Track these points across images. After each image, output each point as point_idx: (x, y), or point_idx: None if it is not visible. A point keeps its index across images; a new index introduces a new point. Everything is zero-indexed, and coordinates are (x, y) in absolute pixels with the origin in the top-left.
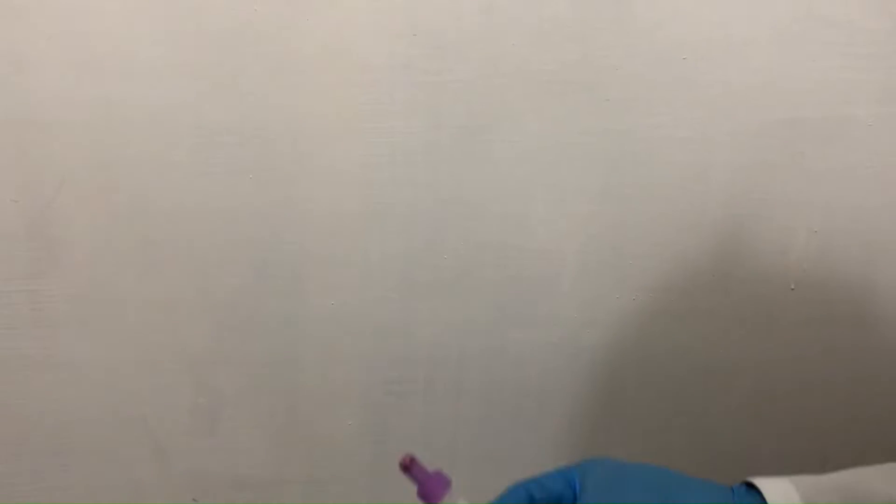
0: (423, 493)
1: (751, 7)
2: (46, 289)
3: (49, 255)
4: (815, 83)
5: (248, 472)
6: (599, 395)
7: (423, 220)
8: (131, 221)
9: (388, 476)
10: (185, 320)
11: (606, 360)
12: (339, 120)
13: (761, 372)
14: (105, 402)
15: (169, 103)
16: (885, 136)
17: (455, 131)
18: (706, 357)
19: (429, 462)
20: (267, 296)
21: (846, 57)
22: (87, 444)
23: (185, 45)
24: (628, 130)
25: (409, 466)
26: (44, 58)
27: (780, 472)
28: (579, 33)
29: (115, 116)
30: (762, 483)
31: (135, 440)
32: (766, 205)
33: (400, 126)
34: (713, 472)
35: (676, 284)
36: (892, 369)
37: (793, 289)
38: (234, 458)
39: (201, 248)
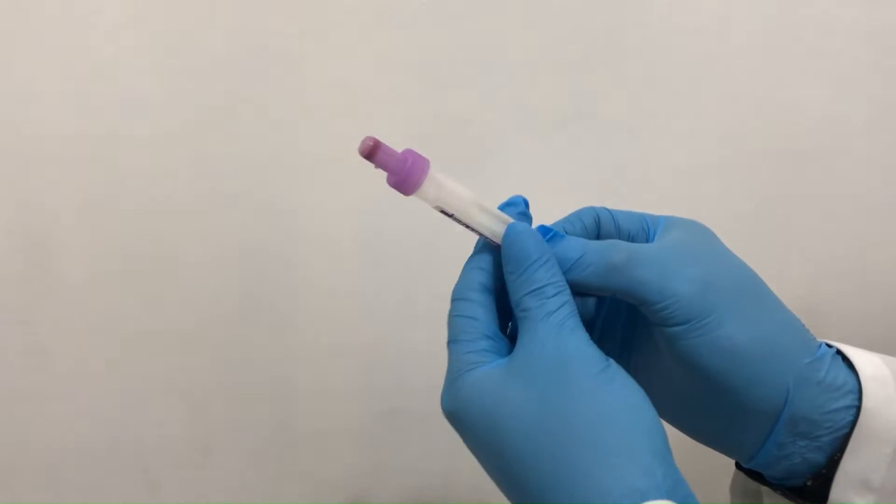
0: (395, 182)
1: (741, 40)
2: (39, 319)
3: (42, 286)
4: (803, 114)
5: None
6: None
7: (418, 251)
8: (125, 252)
9: None
10: (178, 351)
11: None
12: (334, 151)
13: None
14: (97, 432)
15: (165, 135)
16: (876, 167)
17: (450, 163)
18: None
19: (424, 493)
20: (261, 326)
21: (834, 86)
22: (80, 475)
23: (182, 78)
24: (621, 157)
25: (372, 153)
26: (39, 90)
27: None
28: (574, 61)
29: (110, 148)
30: (852, 352)
31: (127, 471)
32: (756, 233)
33: None
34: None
35: None
36: None
37: None
38: (228, 490)
39: (196, 279)
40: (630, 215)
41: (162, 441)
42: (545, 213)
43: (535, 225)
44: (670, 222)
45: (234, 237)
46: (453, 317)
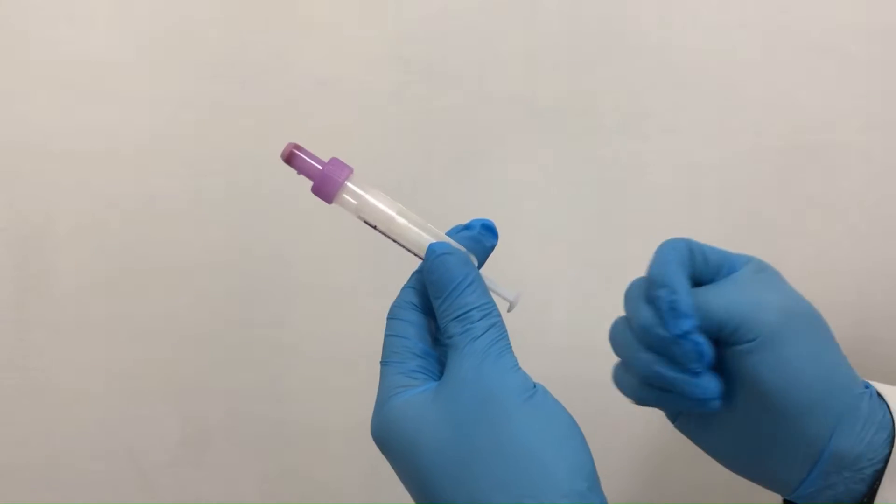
0: (314, 189)
1: (744, 35)
2: (32, 318)
3: (36, 285)
4: (806, 110)
5: None
6: (599, 429)
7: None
8: (119, 250)
9: None
10: (173, 350)
11: (601, 394)
12: (329, 149)
13: None
14: (91, 432)
15: (160, 133)
16: (876, 163)
17: (447, 160)
18: None
19: None
20: (256, 325)
21: (838, 83)
22: (73, 476)
23: (177, 76)
24: (621, 156)
25: (289, 158)
26: (34, 86)
27: None
28: (573, 60)
29: (105, 146)
30: (884, 389)
31: (121, 472)
32: (759, 231)
33: (391, 154)
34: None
35: None
36: None
37: None
38: (224, 490)
39: (190, 278)
40: (715, 250)
41: (156, 440)
42: (542, 211)
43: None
44: (743, 259)
45: (230, 235)
46: (386, 336)
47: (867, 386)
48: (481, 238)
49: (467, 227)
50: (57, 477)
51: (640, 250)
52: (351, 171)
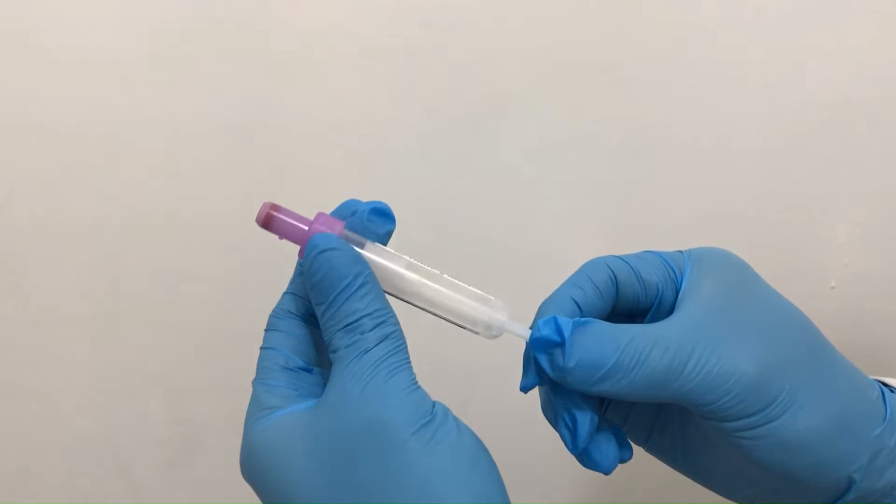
0: (303, 254)
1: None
2: (4, 312)
3: (5, 276)
4: (853, 59)
5: None
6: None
7: (417, 223)
8: (96, 234)
9: None
10: (157, 343)
11: None
12: (326, 112)
13: None
14: (73, 433)
15: (136, 101)
16: None
17: (454, 121)
18: None
19: None
20: (247, 315)
21: (888, 28)
22: (55, 478)
23: (154, 35)
24: (647, 117)
25: (267, 223)
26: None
27: None
28: (589, 11)
29: (75, 117)
30: None
31: (106, 474)
32: (802, 196)
33: (393, 116)
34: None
35: None
36: None
37: (833, 287)
38: (213, 491)
39: (175, 264)
40: (649, 261)
41: (143, 439)
42: (563, 176)
43: (540, 320)
44: (699, 265)
45: (218, 227)
46: (259, 350)
47: (886, 386)
48: (370, 225)
49: (353, 212)
50: (36, 479)
51: (668, 216)
52: (342, 225)
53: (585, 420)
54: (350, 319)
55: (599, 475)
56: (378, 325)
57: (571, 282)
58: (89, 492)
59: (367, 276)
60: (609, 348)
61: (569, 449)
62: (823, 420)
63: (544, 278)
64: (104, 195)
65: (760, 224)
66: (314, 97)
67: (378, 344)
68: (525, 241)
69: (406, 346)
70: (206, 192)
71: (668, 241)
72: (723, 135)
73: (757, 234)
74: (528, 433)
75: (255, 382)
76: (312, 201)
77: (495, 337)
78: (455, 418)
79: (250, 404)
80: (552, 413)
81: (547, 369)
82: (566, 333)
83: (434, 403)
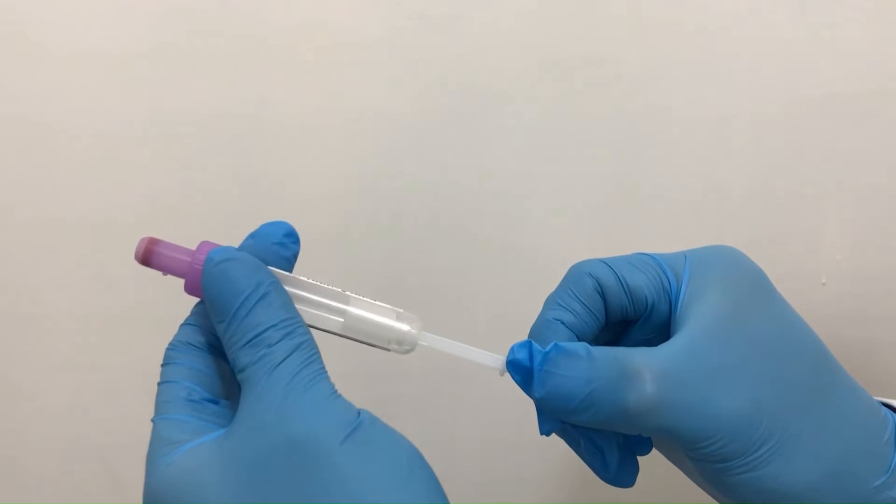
0: (190, 288)
1: None
2: None
3: None
4: (846, 54)
5: None
6: None
7: (409, 217)
8: (74, 224)
9: None
10: (142, 336)
11: None
12: (315, 105)
13: None
14: (55, 432)
15: (124, 95)
16: None
17: (445, 115)
18: None
19: None
20: None
21: (881, 23)
22: (37, 479)
23: (137, 22)
24: (640, 111)
25: (147, 259)
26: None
27: None
28: (582, 5)
29: (54, 106)
30: None
31: (91, 474)
32: (793, 191)
33: (384, 110)
34: None
35: None
36: None
37: (824, 283)
38: None
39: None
40: (641, 265)
41: (126, 437)
42: (554, 169)
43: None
44: (701, 271)
45: (208, 223)
46: (157, 386)
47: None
48: (276, 249)
49: (252, 235)
50: (18, 480)
51: (658, 211)
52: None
53: (612, 447)
54: (253, 333)
55: (596, 475)
56: (286, 335)
57: (556, 301)
58: (74, 491)
59: (269, 284)
60: (580, 380)
61: (599, 476)
62: (814, 473)
63: (533, 275)
64: (92, 190)
65: (751, 220)
66: (304, 91)
67: (288, 356)
68: (515, 236)
69: (320, 356)
70: (195, 188)
71: (660, 236)
72: (714, 130)
73: (748, 229)
74: (519, 431)
75: (154, 419)
76: (305, 198)
77: (408, 351)
78: (384, 423)
79: (151, 443)
80: (570, 438)
81: (526, 392)
82: (535, 362)
83: (359, 411)
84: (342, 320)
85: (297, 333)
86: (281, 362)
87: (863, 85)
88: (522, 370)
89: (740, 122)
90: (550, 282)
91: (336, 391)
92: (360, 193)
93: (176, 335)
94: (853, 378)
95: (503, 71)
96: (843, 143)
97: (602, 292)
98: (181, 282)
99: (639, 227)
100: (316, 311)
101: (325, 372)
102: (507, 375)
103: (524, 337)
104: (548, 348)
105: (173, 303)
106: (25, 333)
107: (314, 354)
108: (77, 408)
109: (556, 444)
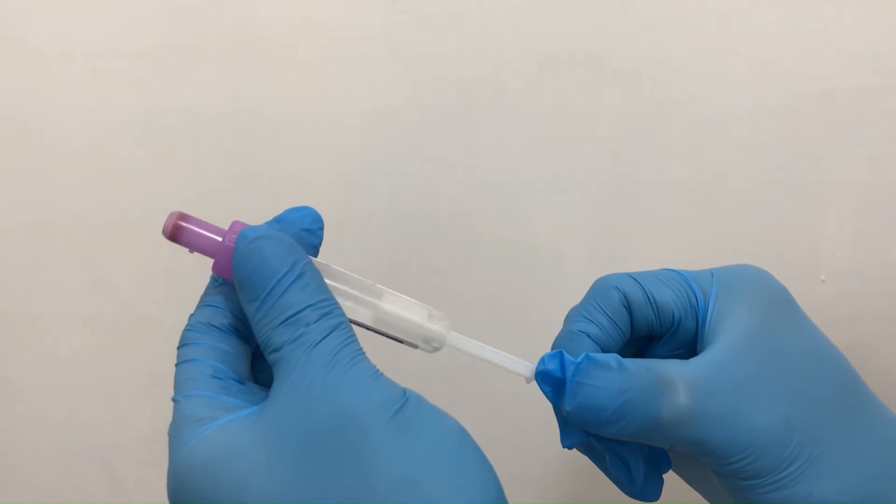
0: (219, 267)
1: None
2: None
3: None
4: (846, 49)
5: None
6: None
7: (406, 215)
8: (71, 224)
9: None
10: (140, 336)
11: None
12: (312, 101)
13: None
14: (52, 430)
15: (112, 88)
16: None
17: (442, 112)
18: None
19: None
20: None
21: (881, 18)
22: (35, 478)
23: (133, 21)
24: (638, 107)
25: (175, 235)
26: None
27: None
28: (578, 0)
29: (47, 104)
30: None
31: (88, 473)
32: (793, 187)
33: (379, 108)
34: None
35: None
36: None
37: (824, 280)
38: None
39: (154, 254)
40: (668, 281)
41: (125, 437)
42: (551, 165)
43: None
44: (729, 290)
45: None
46: (175, 367)
47: None
48: (304, 235)
49: (278, 220)
50: (15, 479)
51: (657, 208)
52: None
53: (638, 460)
54: (291, 312)
55: (596, 475)
56: (323, 315)
57: (581, 313)
58: (72, 491)
59: (305, 264)
60: (613, 391)
61: (624, 490)
62: (844, 492)
63: (531, 271)
64: (86, 190)
65: (750, 216)
66: (301, 87)
67: (328, 335)
68: (513, 231)
69: (356, 338)
70: (190, 187)
71: (658, 232)
72: (713, 126)
73: (747, 225)
74: (519, 431)
75: (176, 398)
76: (302, 194)
77: (436, 349)
78: (430, 402)
79: (173, 423)
80: (593, 452)
81: (554, 403)
82: (567, 373)
83: (405, 389)
84: (372, 313)
85: (335, 314)
86: (320, 341)
87: (864, 80)
88: (553, 381)
89: (739, 117)
90: (549, 278)
91: (379, 370)
92: (357, 189)
93: (193, 316)
94: (880, 399)
95: (500, 67)
96: (843, 139)
97: (629, 306)
98: (181, 281)
99: (637, 223)
100: (346, 302)
101: (364, 354)
102: (525, 382)
103: (523, 334)
104: (579, 359)
105: (173, 303)
106: (24, 334)
107: (352, 336)
108: (76, 408)
109: (557, 443)
